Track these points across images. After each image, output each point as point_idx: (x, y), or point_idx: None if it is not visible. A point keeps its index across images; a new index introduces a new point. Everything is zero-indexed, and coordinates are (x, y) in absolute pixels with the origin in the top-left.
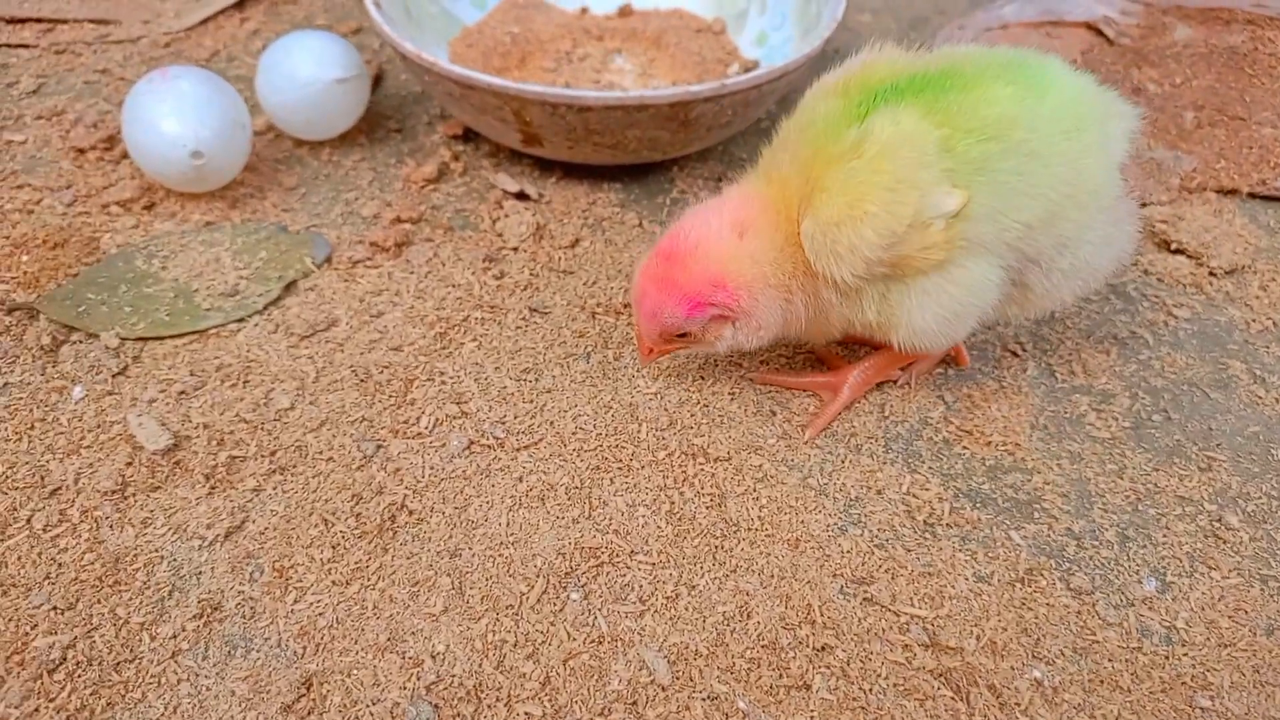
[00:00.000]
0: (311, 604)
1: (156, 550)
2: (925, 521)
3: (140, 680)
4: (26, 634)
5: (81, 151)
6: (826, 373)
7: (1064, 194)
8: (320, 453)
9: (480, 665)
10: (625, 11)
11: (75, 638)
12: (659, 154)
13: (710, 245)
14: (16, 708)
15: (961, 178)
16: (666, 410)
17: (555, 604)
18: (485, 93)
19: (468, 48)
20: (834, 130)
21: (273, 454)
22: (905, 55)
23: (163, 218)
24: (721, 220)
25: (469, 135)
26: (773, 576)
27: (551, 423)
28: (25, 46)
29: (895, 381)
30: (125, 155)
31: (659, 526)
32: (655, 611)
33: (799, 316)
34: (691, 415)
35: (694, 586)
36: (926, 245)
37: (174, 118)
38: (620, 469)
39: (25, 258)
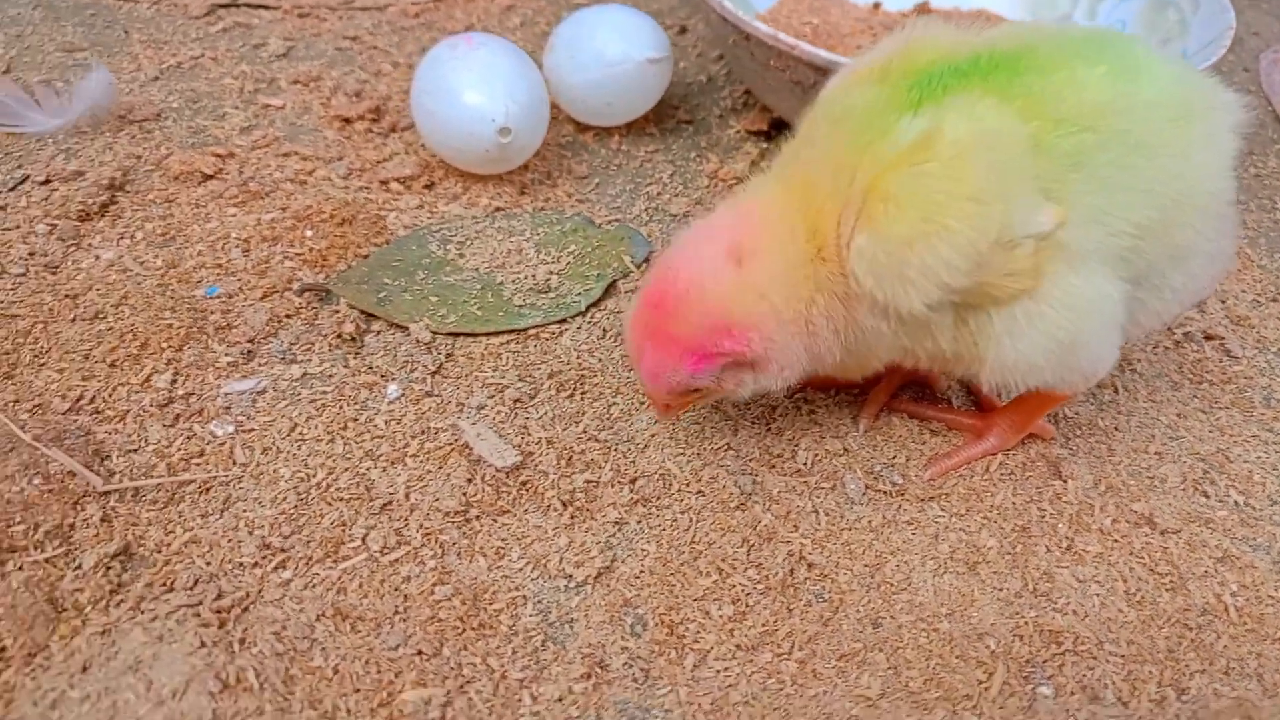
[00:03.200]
0: (718, 672)
1: (518, 588)
2: None
3: None
4: (391, 682)
5: (347, 121)
6: (976, 413)
7: (1177, 192)
8: (687, 484)
9: None
10: (922, 9)
11: (450, 693)
12: None
13: (705, 283)
14: None
15: (1054, 177)
16: (1091, 467)
17: (1022, 699)
18: None
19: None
20: (880, 123)
21: (633, 481)
22: (954, 32)
23: (445, 199)
24: (714, 248)
25: (771, 131)
26: (1277, 684)
27: (957, 471)
28: (266, 8)
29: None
30: (395, 128)
31: (1120, 610)
32: (1140, 718)
33: (831, 349)
34: (1119, 474)
35: (1183, 690)
36: (1011, 271)
37: (479, 89)
38: (1052, 535)
39: (310, 233)
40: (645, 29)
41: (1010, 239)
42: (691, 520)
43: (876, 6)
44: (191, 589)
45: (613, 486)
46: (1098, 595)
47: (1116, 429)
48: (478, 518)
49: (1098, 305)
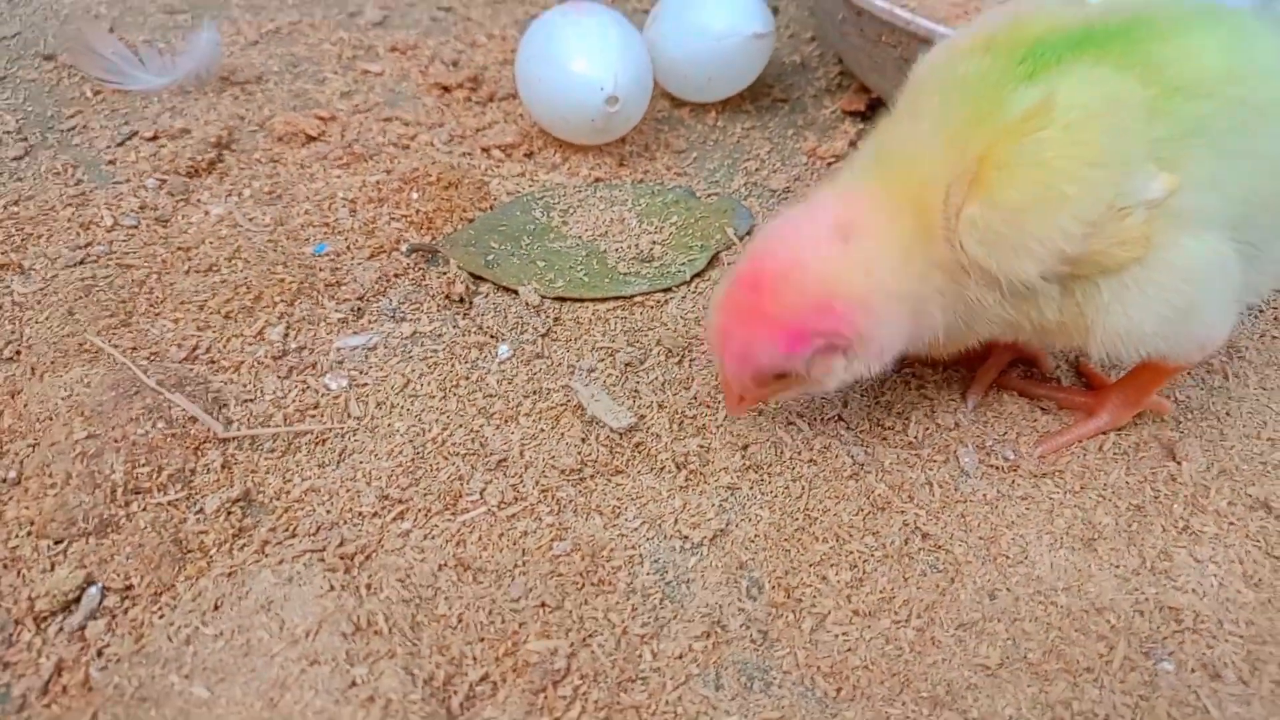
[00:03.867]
0: (836, 636)
1: (634, 547)
2: None
3: (654, 707)
4: (515, 632)
5: (446, 89)
6: (1087, 391)
7: None
8: (799, 453)
9: None
10: None
11: (574, 645)
12: None
13: (808, 260)
14: None
15: (1171, 144)
16: (1205, 451)
17: (1144, 674)
18: None
19: None
20: (993, 94)
21: (745, 448)
22: (1062, 6)
23: (545, 168)
24: (817, 226)
25: (869, 111)
26: None
27: (1069, 446)
28: None
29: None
30: (493, 97)
31: (1238, 590)
32: (1262, 698)
33: (933, 327)
34: (1232, 459)
35: None
36: (1122, 239)
37: (589, 57)
38: (1168, 516)
39: (416, 195)
40: (750, 4)
41: (1124, 206)
42: (804, 488)
43: None
44: (314, 535)
45: (725, 452)
46: (1215, 575)
47: (1228, 414)
48: (593, 477)
49: (1212, 269)
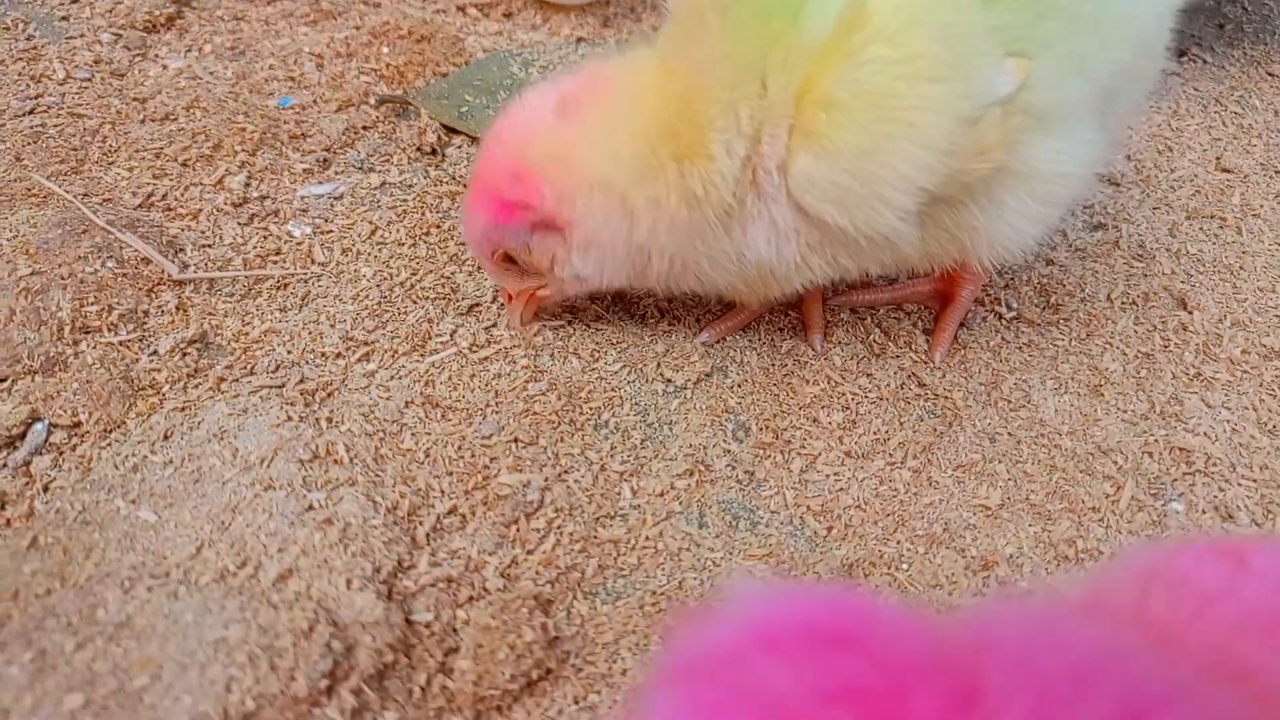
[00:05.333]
0: (827, 476)
1: (614, 390)
2: None
3: (633, 542)
4: (486, 466)
5: None
6: (925, 277)
7: (1153, 14)
8: (793, 309)
9: (1072, 577)
10: None
11: (548, 480)
12: None
13: (517, 124)
14: (491, 554)
15: (1017, 34)
16: (1217, 302)
17: (1152, 514)
18: None
19: None
20: (783, 5)
21: (729, 304)
22: None
23: (525, 28)
24: (544, 98)
25: None
26: None
27: (1074, 295)
28: None
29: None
30: None
31: (1252, 436)
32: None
33: (659, 268)
34: (1245, 311)
35: None
36: (980, 148)
37: None
38: (1178, 363)
39: (386, 49)
40: None
41: (973, 113)
42: (795, 333)
43: None
44: (274, 372)
45: (713, 299)
46: (1229, 421)
47: (1242, 269)
48: (570, 323)
49: (1086, 156)
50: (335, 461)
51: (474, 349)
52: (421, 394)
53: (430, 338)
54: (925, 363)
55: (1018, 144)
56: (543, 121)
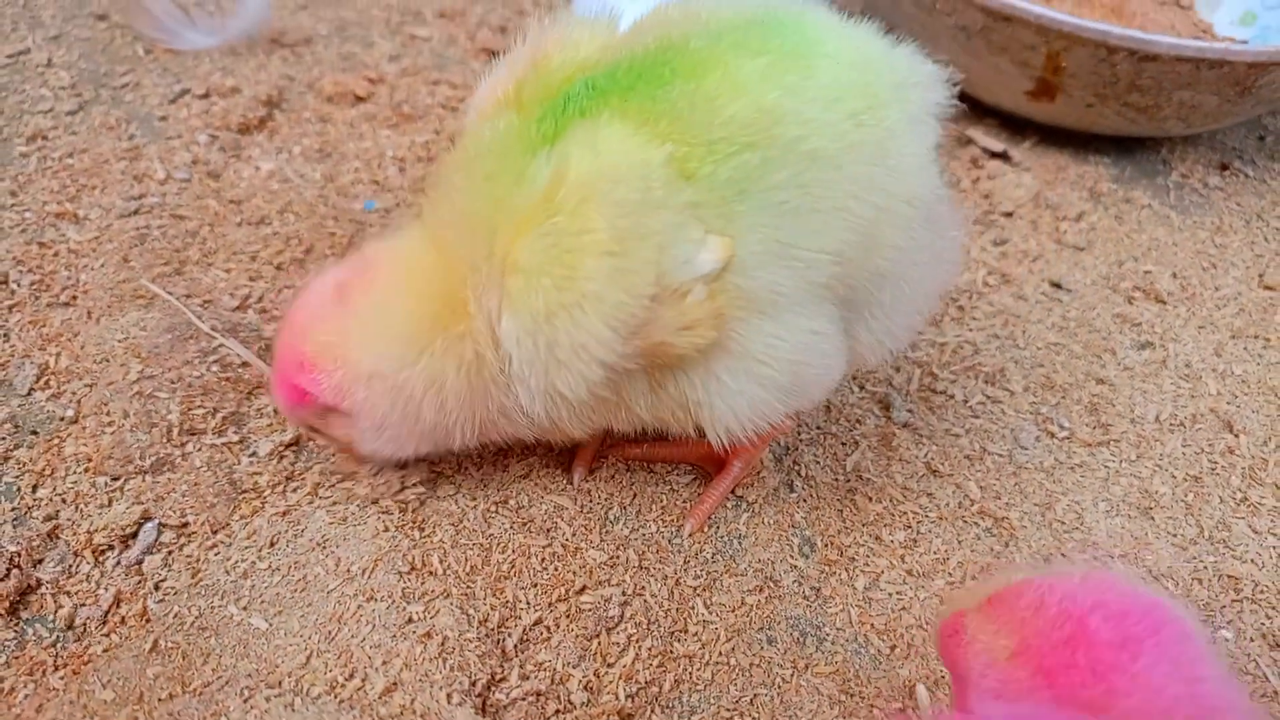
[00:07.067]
0: (890, 595)
1: (686, 504)
2: None
3: (707, 657)
4: (568, 579)
5: (494, 54)
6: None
7: (874, 206)
8: (841, 411)
9: None
10: None
11: (626, 595)
12: (1181, 126)
13: (301, 314)
14: (575, 667)
15: (717, 211)
16: (1263, 425)
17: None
18: (1025, 27)
19: None
20: (512, 165)
21: None
22: (593, 30)
23: None
24: (326, 283)
25: None
26: None
27: (1124, 416)
28: None
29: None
30: None
31: None
32: None
33: (463, 431)
34: None
35: None
36: (686, 323)
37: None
38: (1225, 487)
39: None
40: None
41: (675, 287)
42: (858, 449)
43: None
44: (371, 479)
45: None
46: (1275, 547)
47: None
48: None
49: (810, 346)
50: (430, 573)
51: (553, 459)
52: (505, 504)
53: (510, 452)
54: (981, 484)
55: (733, 321)
56: (322, 308)
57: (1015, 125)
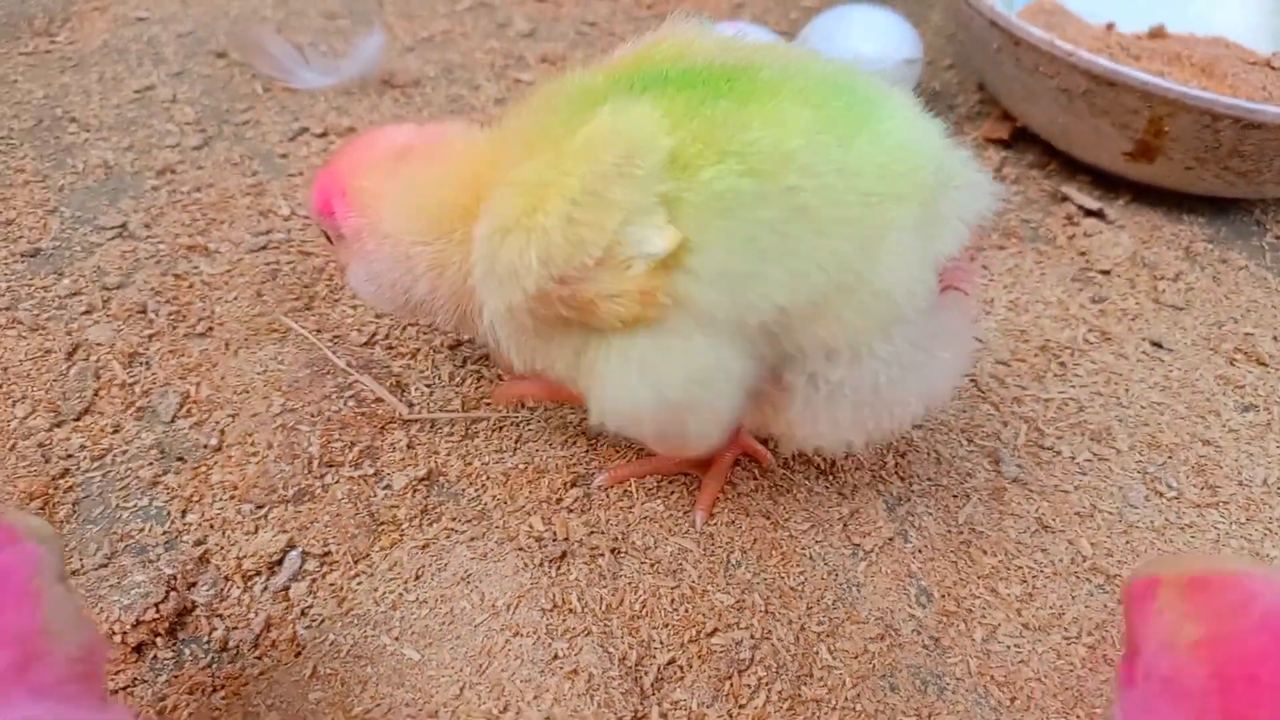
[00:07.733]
0: (1008, 647)
1: (804, 550)
2: None
3: (834, 702)
4: (700, 622)
5: None
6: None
7: (836, 282)
8: (951, 464)
9: None
10: (1157, 33)
11: (755, 639)
12: (1278, 189)
13: (367, 148)
14: (709, 706)
15: (691, 216)
16: None
17: None
18: (1130, 93)
19: None
20: (571, 108)
21: (902, 455)
22: (708, 39)
23: None
24: (399, 139)
25: (1012, 140)
26: None
27: (1231, 479)
28: None
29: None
30: None
31: None
32: None
33: (454, 309)
34: None
35: None
36: (615, 292)
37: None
38: None
39: None
40: (901, 29)
41: (620, 257)
42: (970, 500)
43: (1110, 26)
44: (507, 515)
45: (875, 457)
46: None
47: None
48: (758, 477)
49: (712, 371)
50: (570, 611)
51: (673, 502)
52: (633, 546)
53: (638, 488)
54: (1092, 540)
55: (659, 313)
56: (382, 159)
57: (1109, 183)
